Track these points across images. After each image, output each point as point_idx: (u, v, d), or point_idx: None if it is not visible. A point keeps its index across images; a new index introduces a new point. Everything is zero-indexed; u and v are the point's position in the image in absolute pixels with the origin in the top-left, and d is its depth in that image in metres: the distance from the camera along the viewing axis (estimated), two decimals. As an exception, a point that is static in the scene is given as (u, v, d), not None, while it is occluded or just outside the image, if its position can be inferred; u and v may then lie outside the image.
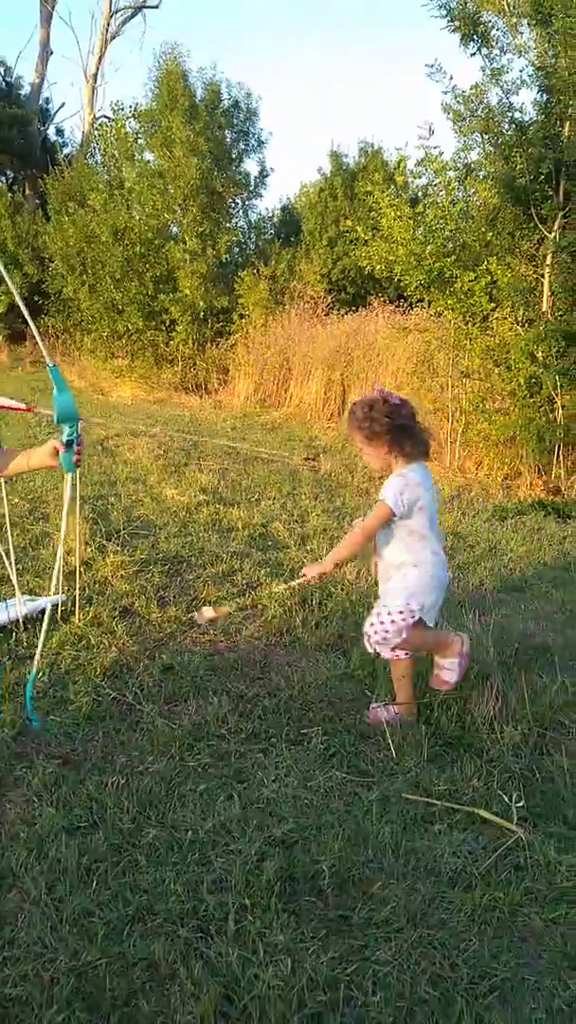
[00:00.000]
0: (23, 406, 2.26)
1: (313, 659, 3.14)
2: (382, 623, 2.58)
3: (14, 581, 3.46)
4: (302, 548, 4.59)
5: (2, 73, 19.61)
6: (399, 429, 2.51)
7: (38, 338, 2.04)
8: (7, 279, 2.03)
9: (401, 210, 7.30)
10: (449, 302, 7.37)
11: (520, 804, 2.16)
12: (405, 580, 2.60)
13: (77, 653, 3.12)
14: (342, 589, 3.89)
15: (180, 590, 3.87)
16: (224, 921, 1.74)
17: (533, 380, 6.89)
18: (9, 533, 3.53)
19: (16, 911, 1.77)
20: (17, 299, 2.04)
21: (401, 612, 2.56)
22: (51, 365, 1.98)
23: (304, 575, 2.70)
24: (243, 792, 2.24)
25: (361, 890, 1.85)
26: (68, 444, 2.04)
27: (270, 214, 16.74)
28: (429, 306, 8.08)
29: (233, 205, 14.11)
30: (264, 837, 2.02)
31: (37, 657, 2.57)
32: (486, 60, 7.09)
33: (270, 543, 4.74)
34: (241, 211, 14.53)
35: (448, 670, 2.70)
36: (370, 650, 2.68)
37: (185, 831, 2.05)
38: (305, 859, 1.94)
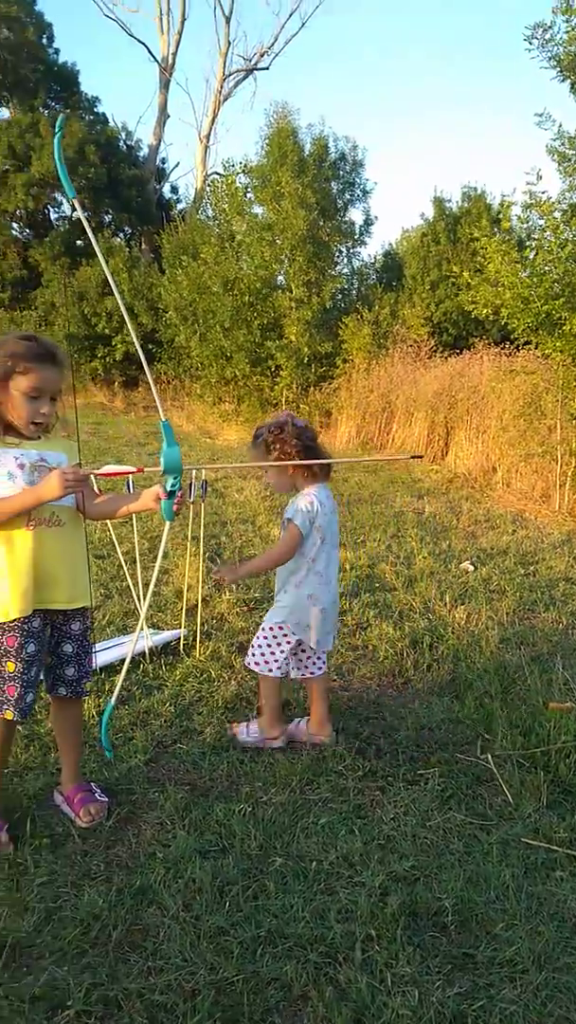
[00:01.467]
0: (133, 469, 2.44)
1: (426, 701, 3.19)
2: (256, 637, 2.82)
3: (142, 615, 3.68)
4: (410, 590, 4.64)
5: (124, 137, 21.09)
6: (307, 450, 2.65)
7: (155, 393, 2.21)
8: (132, 334, 2.25)
9: (509, 255, 7.35)
10: (558, 344, 7.33)
11: None
12: (284, 598, 2.76)
13: (199, 686, 3.29)
14: (452, 632, 3.92)
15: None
16: (351, 949, 1.82)
17: None
18: (138, 570, 3.77)
19: (157, 925, 1.91)
20: (139, 351, 2.23)
21: (271, 628, 2.77)
22: (164, 420, 2.13)
23: (219, 573, 2.80)
24: (363, 827, 2.32)
25: (484, 929, 1.89)
26: (170, 494, 2.18)
27: (372, 260, 17.13)
28: (536, 348, 8.05)
29: (338, 253, 14.51)
30: (387, 872, 2.09)
31: (116, 691, 2.50)
32: (596, 106, 7.13)
33: (377, 584, 4.82)
34: (345, 259, 14.92)
35: (249, 730, 2.84)
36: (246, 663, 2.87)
37: (310, 861, 2.15)
38: (427, 896, 2.00)
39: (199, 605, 3.83)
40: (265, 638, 2.81)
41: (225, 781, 2.57)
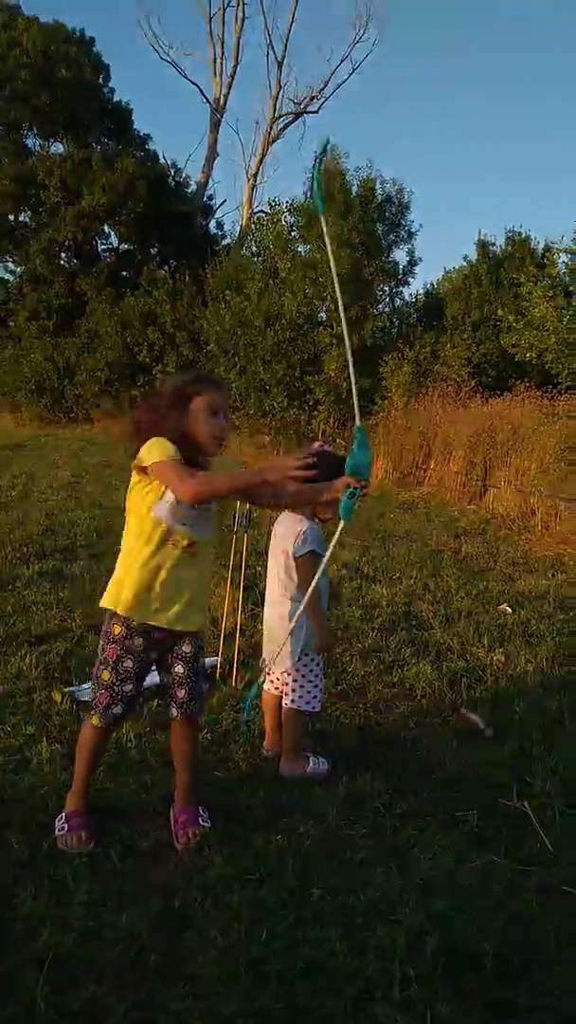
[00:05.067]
0: None
1: (464, 743, 3.16)
2: None
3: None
4: (447, 630, 4.63)
5: (172, 174, 21.71)
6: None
7: (354, 399, 2.17)
8: (348, 352, 2.28)
9: (556, 300, 7.41)
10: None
11: None
12: None
13: (236, 715, 3.31)
14: (490, 674, 3.90)
15: (328, 663, 4.01)
16: (390, 987, 1.81)
17: None
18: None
19: (195, 950, 1.92)
20: (351, 376, 2.22)
21: None
22: (359, 425, 2.14)
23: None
24: (401, 866, 2.30)
25: (525, 975, 1.87)
26: (352, 494, 2.18)
27: (413, 299, 17.27)
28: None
29: (380, 292, 14.70)
30: (424, 912, 2.08)
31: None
32: None
33: (414, 622, 4.81)
34: (387, 297, 15.09)
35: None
36: None
37: (347, 896, 2.14)
38: (466, 938, 1.98)
39: (236, 633, 3.87)
40: None
41: (262, 811, 2.58)
